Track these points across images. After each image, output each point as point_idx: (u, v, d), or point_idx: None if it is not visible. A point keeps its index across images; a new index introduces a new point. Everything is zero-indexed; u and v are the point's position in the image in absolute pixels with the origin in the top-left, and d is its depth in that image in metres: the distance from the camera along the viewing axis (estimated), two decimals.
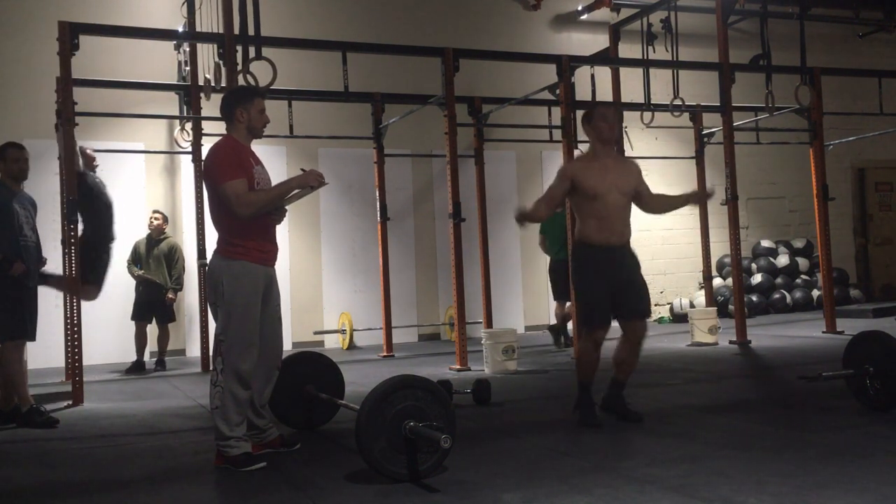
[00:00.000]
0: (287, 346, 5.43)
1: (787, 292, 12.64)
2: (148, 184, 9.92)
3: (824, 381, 4.81)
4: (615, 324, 4.80)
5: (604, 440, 4.44)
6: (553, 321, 9.48)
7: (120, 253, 8.79)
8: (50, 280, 6.10)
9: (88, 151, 6.64)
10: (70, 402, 6.25)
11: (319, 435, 4.76)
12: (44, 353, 8.40)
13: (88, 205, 6.55)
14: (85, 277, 6.36)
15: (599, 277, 4.70)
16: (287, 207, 4.18)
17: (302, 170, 4.20)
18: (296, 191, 4.11)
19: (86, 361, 6.72)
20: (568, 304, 8.60)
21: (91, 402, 6.36)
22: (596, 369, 4.78)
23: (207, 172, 4.10)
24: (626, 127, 10.03)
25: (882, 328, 5.14)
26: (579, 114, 8.84)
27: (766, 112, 9.51)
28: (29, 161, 5.68)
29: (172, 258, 8.68)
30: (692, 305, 11.49)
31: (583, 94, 9.69)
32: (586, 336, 4.77)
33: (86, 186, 6.58)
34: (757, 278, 12.64)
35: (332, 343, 10.47)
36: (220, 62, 7.10)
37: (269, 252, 4.15)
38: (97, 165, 6.66)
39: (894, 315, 10.53)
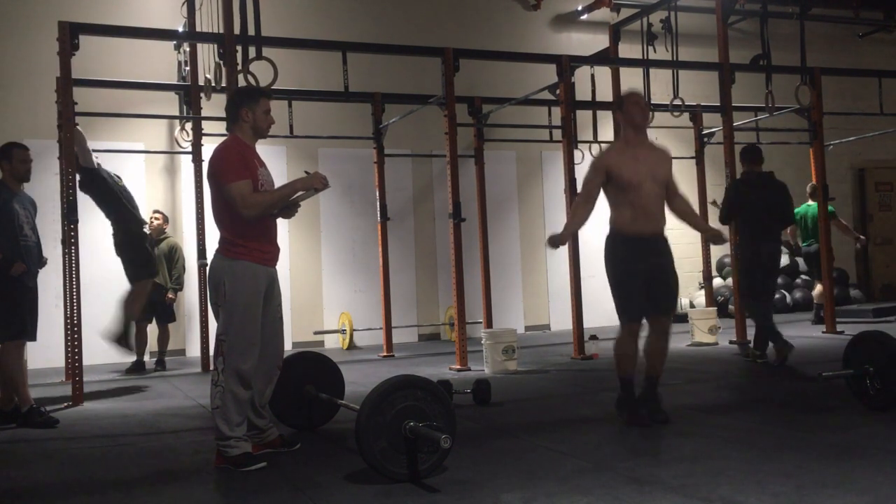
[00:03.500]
0: (287, 346, 5.42)
1: (787, 292, 12.63)
2: (148, 184, 9.92)
3: (824, 381, 4.81)
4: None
5: (604, 440, 4.44)
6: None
7: None
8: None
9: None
10: (70, 402, 6.25)
11: (319, 435, 4.76)
12: (44, 353, 8.41)
13: (109, 199, 6.63)
14: (141, 276, 6.85)
15: (633, 269, 4.66)
16: (301, 204, 4.20)
17: (305, 172, 4.21)
18: (300, 193, 4.13)
19: (86, 361, 6.72)
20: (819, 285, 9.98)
21: (91, 402, 6.36)
22: (635, 363, 4.74)
23: (212, 172, 4.10)
24: None
25: (882, 328, 5.14)
26: (580, 114, 8.96)
27: (766, 112, 9.51)
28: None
29: (173, 258, 8.68)
30: (692, 305, 11.50)
31: (583, 94, 9.69)
32: (623, 328, 4.75)
33: (100, 180, 6.62)
34: None
35: (332, 343, 10.48)
36: (220, 62, 7.10)
37: (270, 252, 4.16)
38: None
39: (894, 315, 10.52)
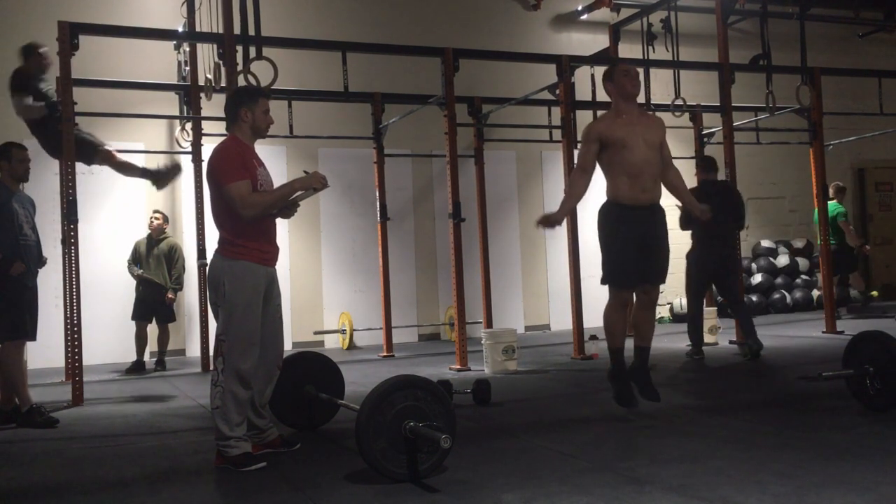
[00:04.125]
0: (287, 346, 5.43)
1: (787, 292, 12.64)
2: (148, 184, 9.88)
3: (824, 381, 4.81)
4: None
5: (604, 440, 4.44)
6: None
7: (122, 253, 8.88)
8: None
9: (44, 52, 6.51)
10: (70, 402, 6.25)
11: (319, 435, 4.76)
12: (44, 353, 8.41)
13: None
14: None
15: (627, 237, 4.67)
16: (300, 203, 4.20)
17: (305, 172, 4.21)
18: (299, 193, 4.13)
19: (86, 361, 6.72)
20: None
21: (91, 402, 6.36)
22: (624, 332, 4.76)
23: (211, 172, 4.10)
24: None
25: (882, 328, 5.13)
26: (580, 114, 8.94)
27: (766, 112, 9.51)
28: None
29: (172, 258, 8.68)
30: None
31: (583, 94, 9.69)
32: (612, 297, 4.75)
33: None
34: (757, 278, 12.64)
35: (332, 343, 10.47)
36: (220, 62, 7.10)
37: (269, 252, 4.16)
38: (49, 65, 6.51)
39: (893, 314, 10.53)
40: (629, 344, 4.91)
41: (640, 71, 9.70)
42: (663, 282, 4.91)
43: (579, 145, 5.06)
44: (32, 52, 6.36)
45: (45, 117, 6.31)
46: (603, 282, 4.85)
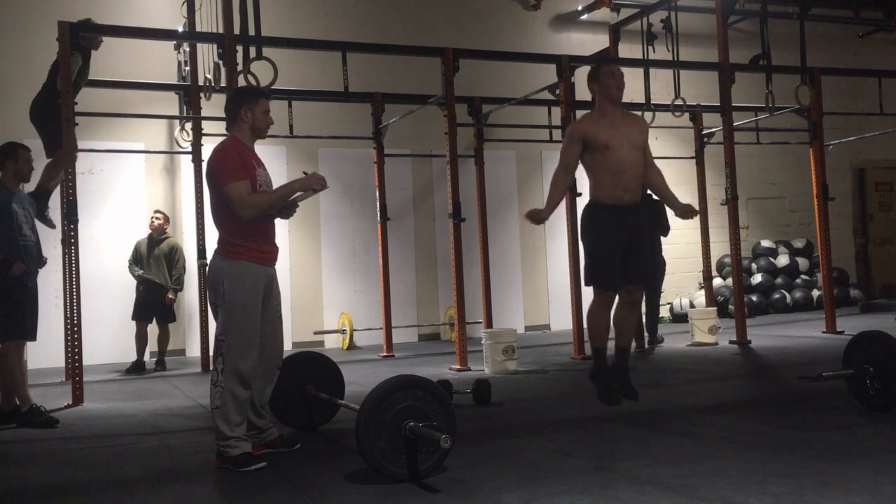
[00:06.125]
0: (287, 346, 5.43)
1: (787, 292, 12.64)
2: (148, 184, 9.91)
3: (824, 381, 4.81)
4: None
5: (604, 440, 4.44)
6: None
7: (122, 253, 8.88)
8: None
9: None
10: (70, 402, 6.25)
11: (319, 435, 4.76)
12: (44, 353, 8.42)
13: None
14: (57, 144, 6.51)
15: (610, 238, 4.67)
16: (299, 204, 4.20)
17: (304, 172, 4.21)
18: (298, 193, 4.13)
19: (86, 361, 6.71)
20: None
21: (91, 402, 6.35)
22: (607, 332, 4.77)
23: (211, 173, 4.10)
24: None
25: (882, 328, 5.14)
26: (580, 114, 8.91)
27: (766, 112, 9.51)
28: None
29: (173, 258, 8.67)
30: (692, 305, 11.50)
31: (583, 94, 9.64)
32: (595, 297, 4.76)
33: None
34: (757, 278, 12.64)
35: (332, 343, 10.47)
36: (220, 62, 7.10)
37: (269, 252, 4.16)
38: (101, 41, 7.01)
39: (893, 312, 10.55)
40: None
41: (640, 71, 9.85)
42: (648, 284, 4.90)
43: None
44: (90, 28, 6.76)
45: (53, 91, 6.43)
46: (587, 283, 4.86)
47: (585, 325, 4.91)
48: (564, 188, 4.88)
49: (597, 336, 4.80)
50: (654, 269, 7.94)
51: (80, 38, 6.65)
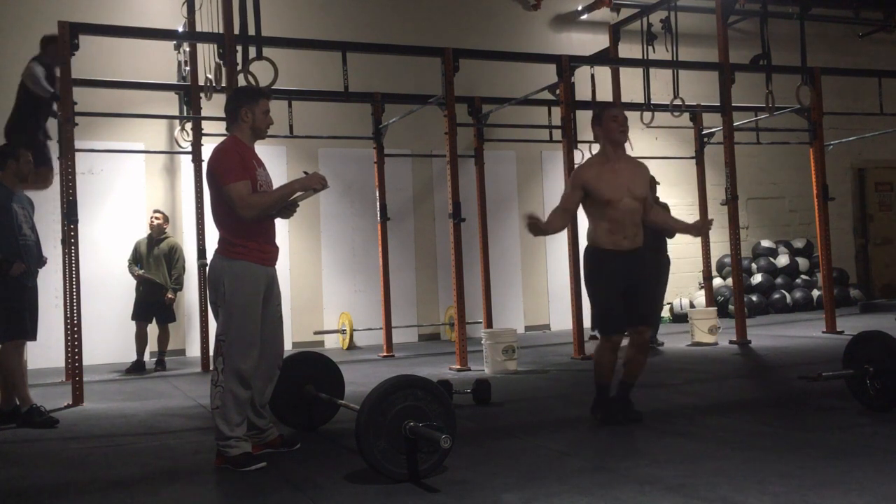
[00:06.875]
0: (287, 346, 5.42)
1: (787, 292, 12.64)
2: (148, 184, 9.91)
3: (824, 381, 4.81)
4: None
5: (604, 440, 4.44)
6: None
7: (122, 253, 8.88)
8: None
9: None
10: (70, 402, 6.24)
11: (319, 435, 4.76)
12: (44, 353, 8.41)
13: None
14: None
15: (612, 283, 4.69)
16: (300, 204, 4.20)
17: (304, 172, 4.21)
18: (298, 193, 4.13)
19: (86, 361, 6.71)
20: None
21: (91, 402, 6.35)
22: (613, 371, 4.79)
23: (211, 173, 4.10)
24: None
25: (882, 328, 5.14)
26: (579, 114, 8.94)
27: (766, 112, 9.51)
28: None
29: (173, 258, 8.67)
30: (692, 305, 11.50)
31: (583, 94, 9.69)
32: (602, 340, 4.78)
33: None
34: (757, 278, 12.64)
35: (332, 343, 10.47)
36: (220, 62, 7.10)
37: (269, 252, 4.16)
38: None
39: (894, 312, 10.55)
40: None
41: (640, 71, 9.85)
42: (651, 325, 4.91)
43: (581, 156, 5.10)
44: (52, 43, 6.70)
45: (41, 103, 6.38)
46: (593, 328, 4.87)
47: (593, 362, 4.90)
48: (561, 226, 4.94)
49: (602, 374, 4.80)
50: (656, 306, 7.83)
51: (45, 54, 6.75)
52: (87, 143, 8.76)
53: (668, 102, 9.56)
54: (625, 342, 4.80)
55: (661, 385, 6.22)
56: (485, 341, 7.47)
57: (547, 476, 3.63)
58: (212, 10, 7.84)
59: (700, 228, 5.07)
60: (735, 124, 9.37)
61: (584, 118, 9.60)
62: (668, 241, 8.50)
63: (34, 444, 4.94)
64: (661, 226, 5.17)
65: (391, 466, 3.56)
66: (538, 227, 4.74)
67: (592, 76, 9.81)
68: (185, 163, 9.47)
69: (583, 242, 7.49)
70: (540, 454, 4.12)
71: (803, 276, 12.95)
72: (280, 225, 4.30)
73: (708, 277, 10.38)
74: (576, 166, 8.18)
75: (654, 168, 11.03)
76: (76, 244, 6.45)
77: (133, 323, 8.63)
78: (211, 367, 4.21)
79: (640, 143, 10.96)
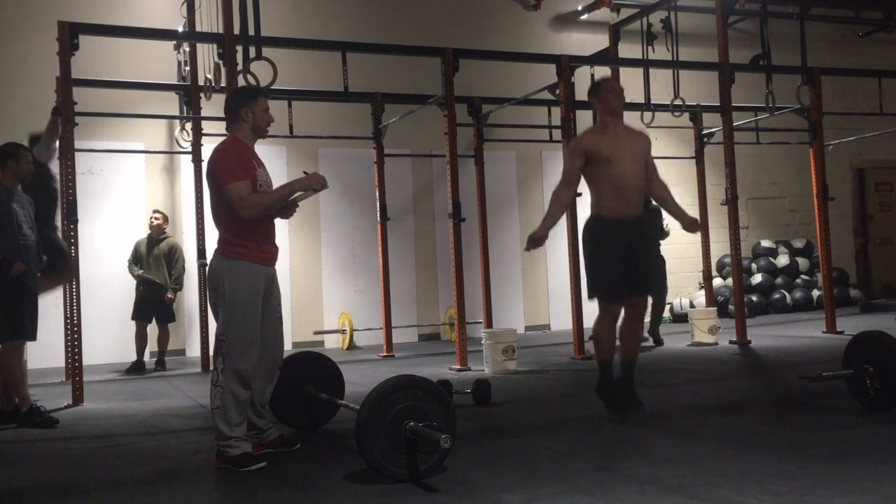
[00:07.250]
0: (287, 346, 5.42)
1: (787, 292, 12.64)
2: (148, 184, 9.91)
3: (824, 381, 4.81)
4: None
5: (604, 440, 4.44)
6: None
7: (121, 253, 8.88)
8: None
9: None
10: (70, 402, 6.24)
11: (319, 435, 4.76)
12: (44, 353, 8.40)
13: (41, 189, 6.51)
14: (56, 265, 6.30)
15: (612, 252, 4.67)
16: (300, 204, 4.20)
17: (304, 172, 4.21)
18: (298, 193, 4.13)
19: (86, 361, 6.71)
20: None
21: (91, 402, 6.35)
22: (614, 346, 4.78)
23: (211, 173, 4.10)
24: None
25: (882, 328, 5.14)
26: (579, 114, 8.94)
27: (766, 112, 9.51)
28: None
29: (172, 258, 8.67)
30: (692, 305, 11.50)
31: (582, 94, 9.61)
32: (602, 311, 4.77)
33: (46, 170, 6.61)
34: (757, 278, 12.64)
35: (332, 343, 10.47)
36: (220, 62, 7.10)
37: (269, 252, 4.16)
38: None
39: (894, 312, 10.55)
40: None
41: (640, 71, 9.84)
42: (653, 293, 4.90)
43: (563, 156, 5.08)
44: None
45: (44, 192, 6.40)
46: (589, 296, 4.86)
47: (592, 339, 4.91)
48: (565, 202, 4.88)
49: (603, 351, 4.80)
50: (660, 277, 7.85)
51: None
52: (86, 143, 8.76)
53: (668, 102, 9.56)
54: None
55: (661, 385, 6.22)
56: (485, 341, 7.47)
57: (547, 476, 3.63)
58: (211, 10, 7.84)
59: (690, 226, 5.03)
60: (735, 124, 9.38)
61: (584, 118, 9.62)
62: (667, 239, 8.55)
63: (34, 444, 4.94)
64: (662, 202, 5.08)
65: (391, 466, 3.56)
66: (540, 236, 4.70)
67: (592, 76, 9.77)
68: (185, 163, 9.47)
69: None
70: (540, 454, 4.12)
71: (803, 276, 12.95)
72: (280, 225, 4.30)
73: (708, 277, 10.38)
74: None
75: None
76: (76, 244, 6.45)
77: (133, 323, 8.63)
78: (211, 367, 4.21)
79: None
